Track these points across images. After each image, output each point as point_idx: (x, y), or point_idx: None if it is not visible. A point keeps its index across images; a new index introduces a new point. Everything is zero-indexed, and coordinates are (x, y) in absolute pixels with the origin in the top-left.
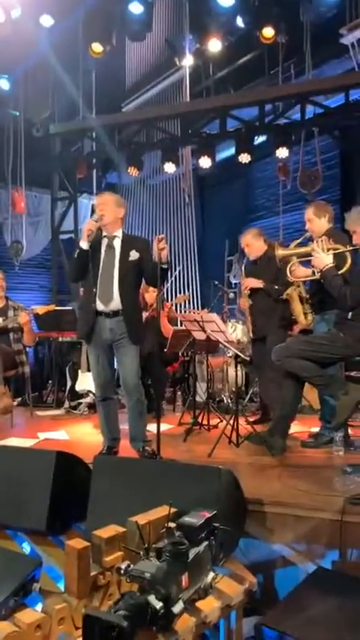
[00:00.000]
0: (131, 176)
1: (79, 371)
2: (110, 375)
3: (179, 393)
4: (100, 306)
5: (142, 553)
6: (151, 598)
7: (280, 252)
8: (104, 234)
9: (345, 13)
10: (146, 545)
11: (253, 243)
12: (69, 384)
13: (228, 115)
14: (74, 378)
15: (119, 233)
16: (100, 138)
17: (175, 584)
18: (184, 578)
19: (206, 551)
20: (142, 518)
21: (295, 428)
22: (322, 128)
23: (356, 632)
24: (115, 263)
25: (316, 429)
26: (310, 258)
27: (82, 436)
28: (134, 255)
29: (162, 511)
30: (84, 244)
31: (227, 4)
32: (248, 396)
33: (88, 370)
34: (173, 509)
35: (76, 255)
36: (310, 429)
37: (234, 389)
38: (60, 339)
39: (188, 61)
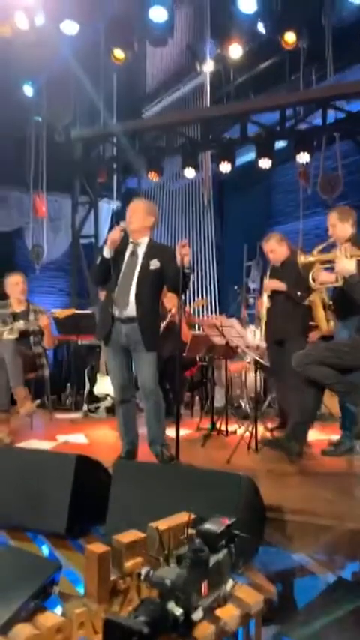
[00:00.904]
0: (151, 181)
1: (98, 374)
2: (128, 377)
3: (197, 397)
4: (115, 311)
5: (161, 559)
6: (171, 604)
7: (303, 259)
8: (130, 239)
9: None
10: (166, 552)
11: (277, 249)
12: (88, 387)
13: (248, 120)
14: (93, 382)
15: (144, 240)
16: (120, 143)
17: (195, 592)
18: (204, 586)
19: (226, 558)
20: (162, 524)
21: (314, 435)
22: (344, 133)
23: None
24: (135, 270)
25: (336, 437)
26: (332, 265)
27: (101, 439)
28: (155, 264)
29: (182, 517)
30: (107, 252)
31: (249, 11)
32: (267, 402)
33: (107, 374)
34: (193, 516)
35: (97, 262)
36: (330, 437)
37: (253, 395)
38: (79, 343)
39: (209, 66)
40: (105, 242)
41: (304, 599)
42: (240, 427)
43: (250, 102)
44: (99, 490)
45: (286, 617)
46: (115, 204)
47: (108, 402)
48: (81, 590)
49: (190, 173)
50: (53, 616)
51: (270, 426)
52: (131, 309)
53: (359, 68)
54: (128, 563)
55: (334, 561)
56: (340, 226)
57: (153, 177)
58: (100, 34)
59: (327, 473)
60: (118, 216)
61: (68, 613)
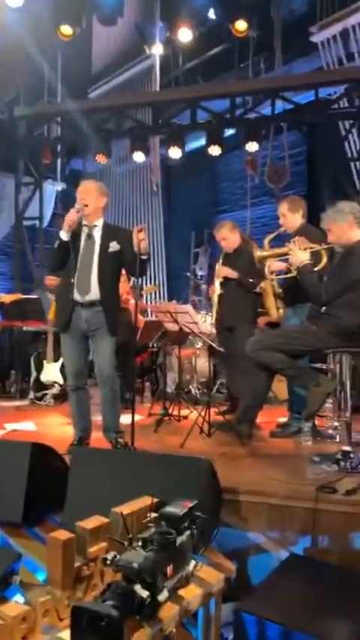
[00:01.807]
0: (98, 163)
1: (45, 361)
2: (84, 364)
3: (147, 383)
4: (77, 296)
5: (126, 543)
6: (137, 587)
7: (259, 253)
8: (84, 223)
9: (316, 11)
10: (130, 536)
11: (229, 237)
12: (34, 374)
13: (198, 106)
14: (39, 369)
15: (99, 223)
16: (66, 123)
17: (161, 573)
18: (170, 568)
19: (188, 540)
20: (125, 509)
21: (262, 418)
22: (291, 124)
23: (328, 613)
24: (94, 254)
25: (283, 419)
26: (286, 257)
27: (51, 427)
28: (114, 246)
29: (144, 501)
30: (64, 235)
31: None
32: (216, 387)
33: (55, 361)
34: (155, 500)
35: (56, 246)
36: (277, 420)
37: (203, 380)
38: (24, 329)
39: (158, 49)
40: (55, 226)
41: (258, 576)
42: (191, 412)
43: (201, 88)
44: (55, 478)
45: (243, 594)
46: (59, 186)
47: (55, 390)
48: (40, 578)
49: (139, 157)
50: (17, 605)
51: (219, 410)
52: (94, 293)
53: (306, 60)
54: (92, 549)
55: (287, 538)
56: (290, 216)
57: (101, 159)
58: (46, 9)
59: (276, 454)
60: (62, 198)
61: (32, 602)
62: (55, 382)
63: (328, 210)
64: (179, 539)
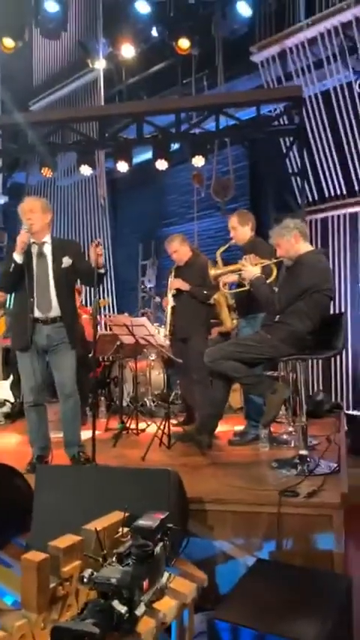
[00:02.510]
0: (42, 176)
1: None
2: (42, 380)
3: (102, 398)
4: (37, 313)
5: (100, 560)
6: (115, 603)
7: (213, 272)
8: (33, 240)
9: (255, 32)
10: (104, 552)
11: (180, 249)
12: None
13: (144, 120)
14: None
15: (48, 239)
16: (8, 135)
17: (138, 588)
18: (146, 581)
19: (162, 552)
20: (97, 525)
21: (218, 427)
22: (234, 139)
23: (298, 614)
24: (48, 270)
25: (239, 428)
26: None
27: (5, 446)
28: (67, 261)
29: (115, 516)
30: (18, 257)
31: (144, 12)
32: (171, 398)
33: (4, 379)
34: (126, 514)
35: (10, 269)
36: (233, 428)
37: (157, 392)
38: None
39: (101, 64)
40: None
41: (226, 583)
42: (149, 425)
43: (147, 103)
44: (17, 498)
45: (212, 602)
46: (1, 199)
47: (7, 408)
48: (9, 602)
49: (86, 170)
50: None
51: (177, 421)
52: (55, 310)
53: (248, 78)
54: (66, 568)
55: (252, 544)
56: (240, 229)
57: (47, 173)
58: None
59: (237, 462)
60: (4, 212)
61: (6, 627)
62: (6, 400)
63: (275, 227)
64: (154, 552)
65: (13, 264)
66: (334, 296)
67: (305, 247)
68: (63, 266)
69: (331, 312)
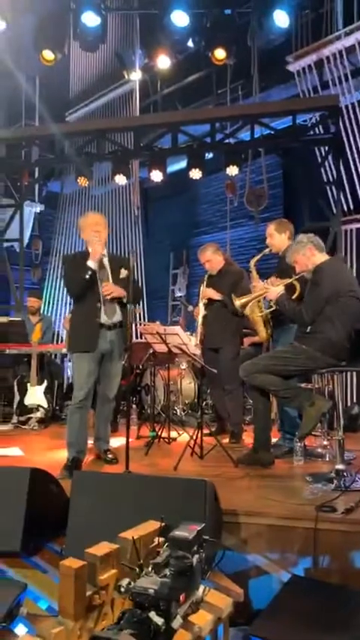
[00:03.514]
0: (77, 185)
1: (29, 385)
2: (94, 384)
3: (133, 406)
4: (104, 319)
5: (137, 569)
6: (152, 614)
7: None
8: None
9: (291, 42)
10: (141, 561)
11: (213, 259)
12: (17, 398)
13: (179, 130)
14: (23, 392)
15: (106, 252)
16: (45, 145)
17: (175, 600)
18: (183, 594)
19: (198, 564)
20: (134, 534)
21: (250, 439)
22: (269, 148)
23: (333, 633)
24: (109, 279)
25: (274, 440)
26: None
27: (39, 452)
28: (124, 273)
29: (151, 526)
30: (94, 265)
31: (182, 24)
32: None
33: (39, 384)
34: (162, 524)
35: (87, 276)
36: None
37: (187, 401)
38: (7, 352)
39: (137, 75)
40: (32, 247)
41: (260, 598)
42: (180, 434)
43: (182, 113)
44: (53, 504)
45: (245, 617)
46: (38, 208)
47: (40, 413)
48: (43, 607)
49: (121, 180)
50: (31, 638)
51: (209, 431)
52: (118, 316)
53: (283, 88)
54: (103, 577)
55: (287, 559)
56: (277, 237)
57: (83, 182)
58: (27, 32)
59: (271, 475)
60: (40, 220)
61: (44, 634)
62: (40, 406)
63: (291, 245)
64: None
65: (90, 271)
66: None
67: (321, 257)
68: (121, 276)
69: None
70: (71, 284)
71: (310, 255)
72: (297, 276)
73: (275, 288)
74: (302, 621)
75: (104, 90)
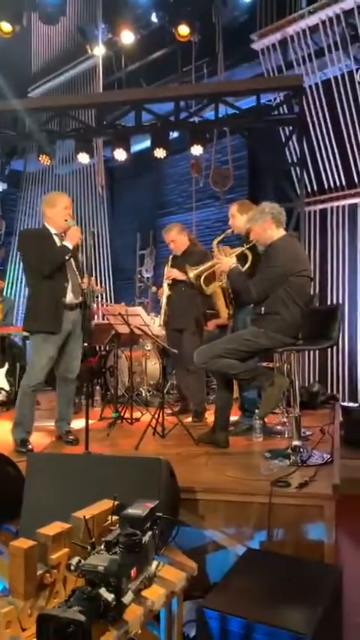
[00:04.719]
0: (43, 164)
1: None
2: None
3: (97, 387)
4: (69, 298)
5: (89, 547)
6: (103, 591)
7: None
8: (55, 232)
9: (256, 19)
10: (93, 540)
11: (177, 239)
12: None
13: (143, 108)
14: None
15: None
16: (6, 122)
17: (126, 576)
18: (134, 569)
19: (151, 540)
20: (86, 513)
21: (210, 418)
22: (233, 128)
23: (286, 603)
24: (71, 261)
25: (233, 418)
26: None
27: None
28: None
29: (104, 505)
30: (71, 246)
31: None
32: (166, 388)
33: (1, 366)
34: (116, 502)
35: (66, 256)
36: None
37: (152, 382)
38: None
39: (100, 50)
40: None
41: (216, 572)
42: (143, 414)
43: (146, 90)
44: (8, 485)
45: (201, 591)
46: (0, 187)
47: (2, 396)
48: None
49: (84, 158)
50: None
51: (172, 411)
52: (81, 295)
53: (248, 67)
54: (54, 556)
55: (243, 534)
56: (239, 217)
57: (45, 160)
58: None
59: (230, 452)
60: (3, 199)
61: None
62: (1, 388)
63: (252, 211)
64: (143, 540)
65: (69, 252)
66: (312, 277)
67: (278, 233)
68: (79, 255)
69: (328, 302)
70: (46, 263)
71: (266, 227)
72: (249, 245)
73: (227, 259)
74: (256, 592)
75: (67, 66)
